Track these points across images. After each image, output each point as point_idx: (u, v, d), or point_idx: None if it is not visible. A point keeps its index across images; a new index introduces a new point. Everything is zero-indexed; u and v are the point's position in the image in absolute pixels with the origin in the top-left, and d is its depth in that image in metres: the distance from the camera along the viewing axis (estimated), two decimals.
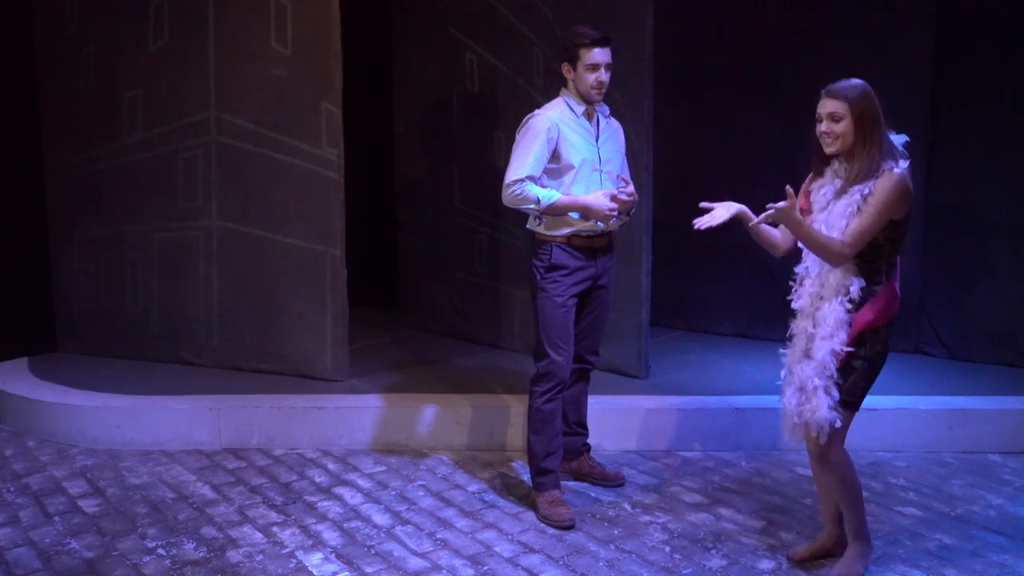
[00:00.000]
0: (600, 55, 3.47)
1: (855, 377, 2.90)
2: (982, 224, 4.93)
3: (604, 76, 3.50)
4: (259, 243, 4.92)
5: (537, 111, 3.57)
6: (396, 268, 6.17)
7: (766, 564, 3.21)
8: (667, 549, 3.34)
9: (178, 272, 5.11)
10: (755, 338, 5.51)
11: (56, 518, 3.67)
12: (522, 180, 3.47)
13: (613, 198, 3.51)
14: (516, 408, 4.35)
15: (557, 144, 3.51)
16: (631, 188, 3.58)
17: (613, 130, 3.71)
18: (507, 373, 4.91)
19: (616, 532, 3.49)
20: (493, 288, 5.44)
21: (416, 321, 5.98)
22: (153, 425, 4.43)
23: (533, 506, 3.65)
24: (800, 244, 2.94)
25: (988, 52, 4.80)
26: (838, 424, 2.90)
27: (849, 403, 2.92)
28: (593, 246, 3.60)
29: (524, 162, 3.48)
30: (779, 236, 3.09)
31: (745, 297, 5.57)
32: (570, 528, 3.50)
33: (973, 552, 3.28)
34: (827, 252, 2.83)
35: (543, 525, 3.54)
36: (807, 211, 2.96)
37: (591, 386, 3.96)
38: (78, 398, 4.60)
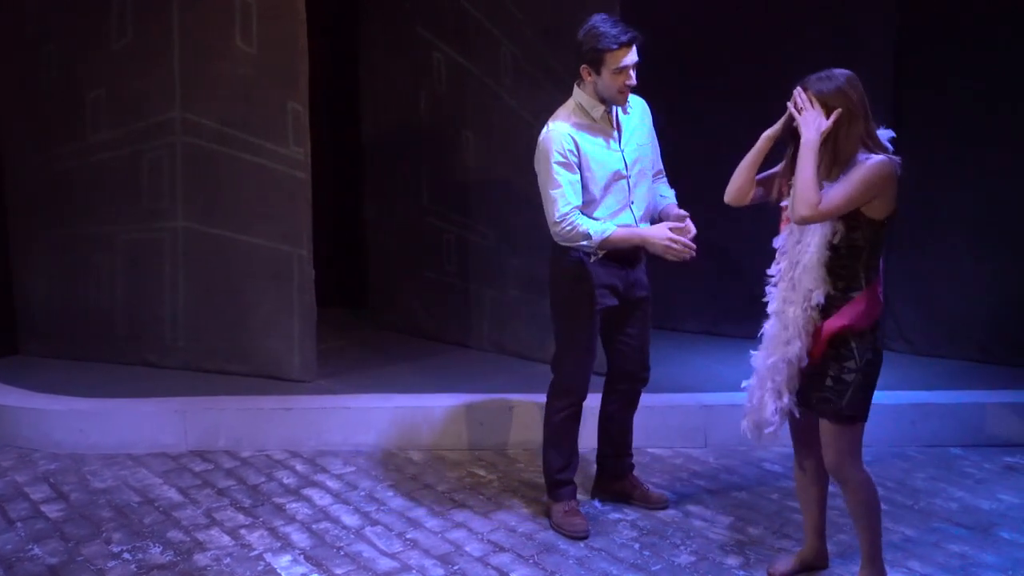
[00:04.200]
0: (629, 57, 3.15)
1: (852, 390, 2.73)
2: (944, 220, 5.00)
3: (633, 80, 3.20)
4: (225, 244, 4.87)
5: (548, 126, 3.27)
6: (364, 268, 6.16)
7: (734, 560, 3.24)
8: (636, 546, 3.36)
9: (143, 273, 5.05)
10: (722, 335, 5.55)
11: (18, 524, 3.61)
12: (568, 213, 3.19)
13: (673, 229, 3.23)
14: (485, 408, 4.36)
15: (579, 159, 3.23)
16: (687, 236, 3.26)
17: (636, 121, 3.40)
18: (476, 373, 4.90)
19: None
20: (462, 287, 5.43)
21: (385, 321, 5.96)
22: (118, 428, 4.38)
23: (547, 513, 3.55)
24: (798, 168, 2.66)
25: (950, 49, 4.87)
26: (772, 428, 2.81)
27: (853, 417, 2.74)
28: (617, 255, 3.33)
29: (561, 192, 3.19)
30: (748, 178, 2.90)
31: (712, 295, 5.61)
32: (584, 539, 3.38)
33: (935, 544, 3.34)
34: (807, 194, 2.60)
35: (513, 524, 3.54)
36: (786, 209, 2.80)
37: None
38: (41, 401, 4.53)
